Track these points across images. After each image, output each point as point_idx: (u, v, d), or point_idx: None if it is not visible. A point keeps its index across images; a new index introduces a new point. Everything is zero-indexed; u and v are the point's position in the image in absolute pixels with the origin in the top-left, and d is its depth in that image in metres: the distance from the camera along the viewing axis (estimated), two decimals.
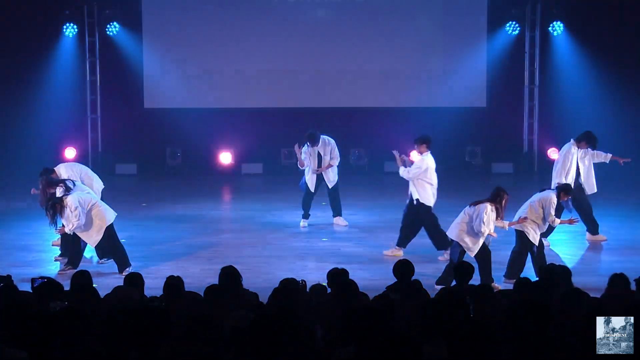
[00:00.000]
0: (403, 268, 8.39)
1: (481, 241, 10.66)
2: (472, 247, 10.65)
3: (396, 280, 8.38)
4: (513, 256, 11.11)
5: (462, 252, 10.74)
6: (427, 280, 9.46)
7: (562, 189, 11.43)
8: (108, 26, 20.21)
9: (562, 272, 8.29)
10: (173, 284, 7.84)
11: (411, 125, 20.33)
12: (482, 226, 10.50)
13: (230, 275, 7.99)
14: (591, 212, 13.19)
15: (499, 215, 10.69)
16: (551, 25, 20.26)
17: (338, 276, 8.13)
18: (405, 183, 12.98)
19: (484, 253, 10.68)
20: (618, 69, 20.06)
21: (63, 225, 11.44)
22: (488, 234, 10.66)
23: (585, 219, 13.16)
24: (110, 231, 11.53)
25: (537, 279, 9.11)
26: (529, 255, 11.09)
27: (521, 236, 11.07)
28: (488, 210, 10.56)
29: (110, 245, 11.62)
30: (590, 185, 13.21)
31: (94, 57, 20.49)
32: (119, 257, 11.57)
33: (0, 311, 5.98)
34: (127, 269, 11.23)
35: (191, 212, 15.83)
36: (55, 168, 12.56)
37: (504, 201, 10.72)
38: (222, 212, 16.64)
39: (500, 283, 10.70)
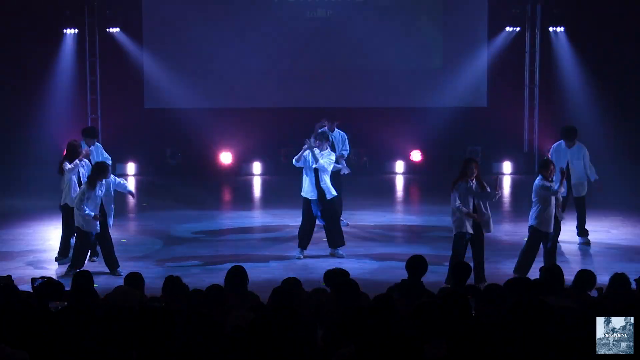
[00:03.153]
0: (416, 263, 8.32)
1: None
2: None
3: (408, 275, 8.32)
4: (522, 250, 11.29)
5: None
6: (427, 281, 9.44)
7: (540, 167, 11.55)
8: (108, 26, 20.21)
9: (587, 277, 8.24)
10: (172, 283, 7.84)
11: (411, 125, 20.37)
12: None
13: (237, 275, 7.98)
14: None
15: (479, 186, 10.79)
16: (551, 25, 20.26)
17: (336, 276, 8.12)
18: (405, 184, 12.95)
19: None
20: (618, 69, 20.06)
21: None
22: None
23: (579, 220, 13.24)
24: (104, 232, 11.56)
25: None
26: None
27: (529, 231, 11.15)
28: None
29: (102, 246, 11.65)
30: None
31: (94, 57, 20.49)
32: (109, 258, 11.60)
33: (0, 311, 5.98)
34: (118, 269, 11.43)
35: (191, 212, 15.82)
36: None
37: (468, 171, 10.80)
38: (222, 212, 16.64)
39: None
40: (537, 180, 11.20)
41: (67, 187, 12.06)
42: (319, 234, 12.83)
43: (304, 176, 12.31)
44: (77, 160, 12.09)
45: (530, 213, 11.26)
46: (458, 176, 10.86)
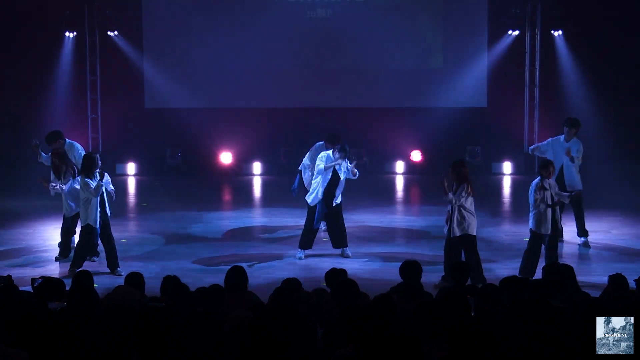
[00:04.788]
0: (410, 268, 8.29)
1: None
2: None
3: (402, 280, 8.31)
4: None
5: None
6: (428, 282, 9.44)
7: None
8: (108, 26, 20.21)
9: (565, 272, 8.27)
10: (170, 283, 7.84)
11: (411, 125, 20.37)
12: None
13: (237, 275, 7.99)
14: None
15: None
16: (550, 26, 20.26)
17: (337, 276, 8.13)
18: (405, 184, 12.92)
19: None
20: (617, 70, 20.07)
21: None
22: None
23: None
24: (108, 232, 11.59)
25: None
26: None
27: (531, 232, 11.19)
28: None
29: (106, 246, 11.68)
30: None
31: (94, 57, 20.49)
32: (111, 258, 11.63)
33: (0, 311, 5.98)
34: (118, 269, 11.47)
35: (191, 212, 15.82)
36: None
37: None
38: (222, 212, 16.63)
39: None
40: (536, 181, 11.21)
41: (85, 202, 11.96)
42: (319, 234, 12.83)
43: (318, 178, 12.22)
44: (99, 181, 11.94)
45: (530, 215, 11.27)
46: (466, 180, 10.86)
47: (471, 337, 4.93)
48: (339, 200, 12.34)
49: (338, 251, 12.44)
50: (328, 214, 12.32)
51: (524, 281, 7.97)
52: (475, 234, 10.93)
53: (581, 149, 13.11)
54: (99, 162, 11.63)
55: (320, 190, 12.18)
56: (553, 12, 20.19)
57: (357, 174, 12.39)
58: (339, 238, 12.41)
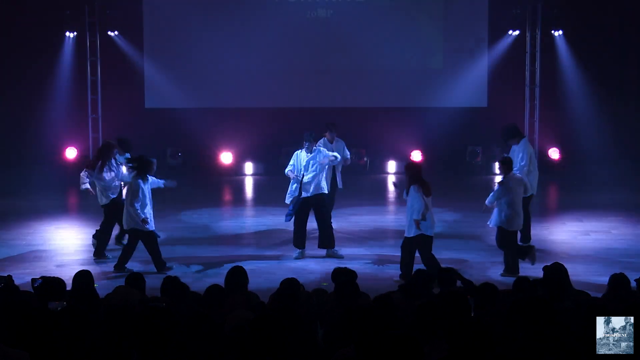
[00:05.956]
0: (420, 278, 8.13)
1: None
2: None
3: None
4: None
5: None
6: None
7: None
8: (109, 26, 20.23)
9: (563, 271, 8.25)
10: (171, 283, 7.85)
11: (411, 125, 20.38)
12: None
13: (237, 275, 8.00)
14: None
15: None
16: (552, 25, 20.27)
17: (340, 275, 8.12)
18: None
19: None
20: (618, 70, 20.08)
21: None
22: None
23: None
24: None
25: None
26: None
27: None
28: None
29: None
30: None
31: (94, 57, 20.50)
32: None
33: (0, 311, 5.98)
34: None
35: (191, 212, 15.83)
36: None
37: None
38: (223, 212, 16.64)
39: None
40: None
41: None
42: (317, 233, 12.83)
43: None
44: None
45: None
46: (421, 180, 10.93)
47: (471, 337, 4.93)
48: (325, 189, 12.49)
49: (341, 252, 12.46)
50: (301, 210, 12.35)
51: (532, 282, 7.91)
52: (431, 234, 10.96)
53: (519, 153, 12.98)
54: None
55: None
56: (554, 11, 20.19)
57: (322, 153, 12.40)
58: (324, 239, 12.46)
